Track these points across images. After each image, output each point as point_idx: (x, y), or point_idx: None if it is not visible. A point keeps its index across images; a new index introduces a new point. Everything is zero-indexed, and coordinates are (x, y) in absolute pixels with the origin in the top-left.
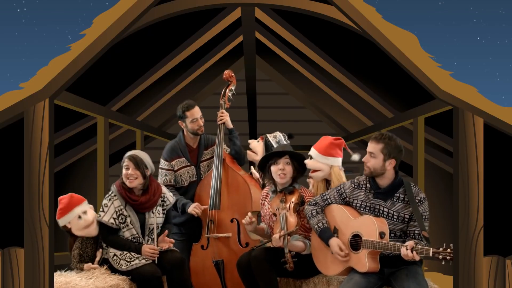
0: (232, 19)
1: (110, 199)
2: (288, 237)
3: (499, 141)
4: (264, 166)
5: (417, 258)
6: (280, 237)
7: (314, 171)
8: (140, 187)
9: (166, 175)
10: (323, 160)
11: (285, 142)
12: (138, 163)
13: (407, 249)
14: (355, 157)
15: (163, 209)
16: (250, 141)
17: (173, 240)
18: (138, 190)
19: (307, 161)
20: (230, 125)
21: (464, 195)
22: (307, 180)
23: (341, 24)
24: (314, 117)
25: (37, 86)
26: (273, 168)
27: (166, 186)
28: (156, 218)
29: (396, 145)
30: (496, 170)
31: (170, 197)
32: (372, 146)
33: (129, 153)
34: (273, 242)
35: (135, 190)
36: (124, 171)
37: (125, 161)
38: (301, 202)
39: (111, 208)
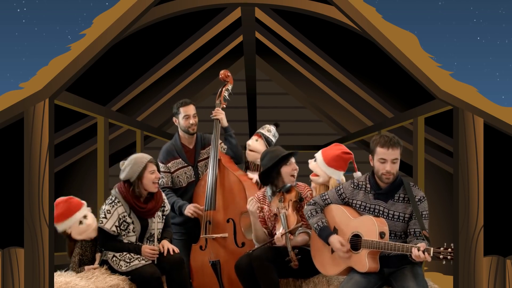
0: (232, 19)
1: (113, 206)
2: (290, 235)
3: (499, 141)
4: (270, 171)
5: (429, 259)
6: (282, 235)
7: (314, 174)
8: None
9: (162, 177)
10: (324, 169)
11: (277, 134)
12: (159, 167)
13: (418, 250)
14: (358, 174)
15: (163, 214)
16: (249, 142)
17: (177, 249)
18: (144, 196)
19: (310, 161)
20: (225, 124)
21: (464, 195)
22: (312, 186)
23: (341, 24)
24: (314, 117)
25: (37, 86)
26: (286, 169)
27: (163, 188)
28: (157, 223)
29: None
30: (496, 170)
31: (167, 203)
32: (394, 153)
33: (146, 156)
34: (276, 242)
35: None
36: (149, 176)
37: (150, 166)
38: (299, 199)
39: (115, 214)
